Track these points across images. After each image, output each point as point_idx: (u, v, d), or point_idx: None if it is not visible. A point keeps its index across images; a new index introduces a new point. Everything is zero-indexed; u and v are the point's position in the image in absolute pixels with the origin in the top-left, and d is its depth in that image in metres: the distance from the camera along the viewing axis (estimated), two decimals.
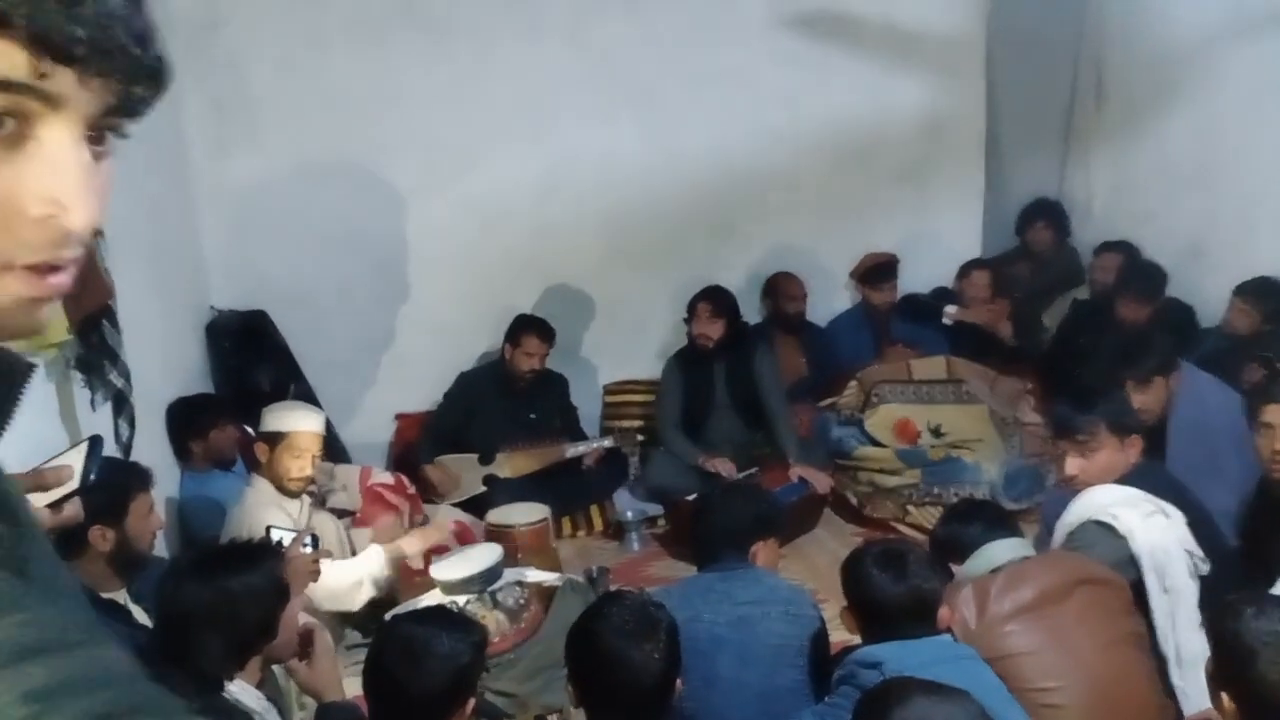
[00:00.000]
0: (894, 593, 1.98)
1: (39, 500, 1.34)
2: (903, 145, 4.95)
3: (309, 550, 2.66)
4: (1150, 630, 2.31)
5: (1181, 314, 4.29)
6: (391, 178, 4.45)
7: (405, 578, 3.06)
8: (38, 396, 2.39)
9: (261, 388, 3.95)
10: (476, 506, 3.88)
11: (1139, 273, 4.41)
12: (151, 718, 0.49)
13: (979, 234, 5.21)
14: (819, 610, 2.41)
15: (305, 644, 2.04)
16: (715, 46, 4.60)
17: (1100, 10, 5.01)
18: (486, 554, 2.99)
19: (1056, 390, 3.82)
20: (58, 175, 0.56)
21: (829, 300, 5.03)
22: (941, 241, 5.09)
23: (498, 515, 3.58)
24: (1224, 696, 1.68)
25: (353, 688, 2.07)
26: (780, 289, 4.80)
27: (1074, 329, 4.63)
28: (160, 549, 2.84)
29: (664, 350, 4.60)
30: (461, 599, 2.80)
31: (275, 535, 2.61)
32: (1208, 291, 4.20)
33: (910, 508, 4.03)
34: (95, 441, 1.48)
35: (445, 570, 2.87)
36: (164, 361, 3.48)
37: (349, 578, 2.87)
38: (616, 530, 4.14)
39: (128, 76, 0.57)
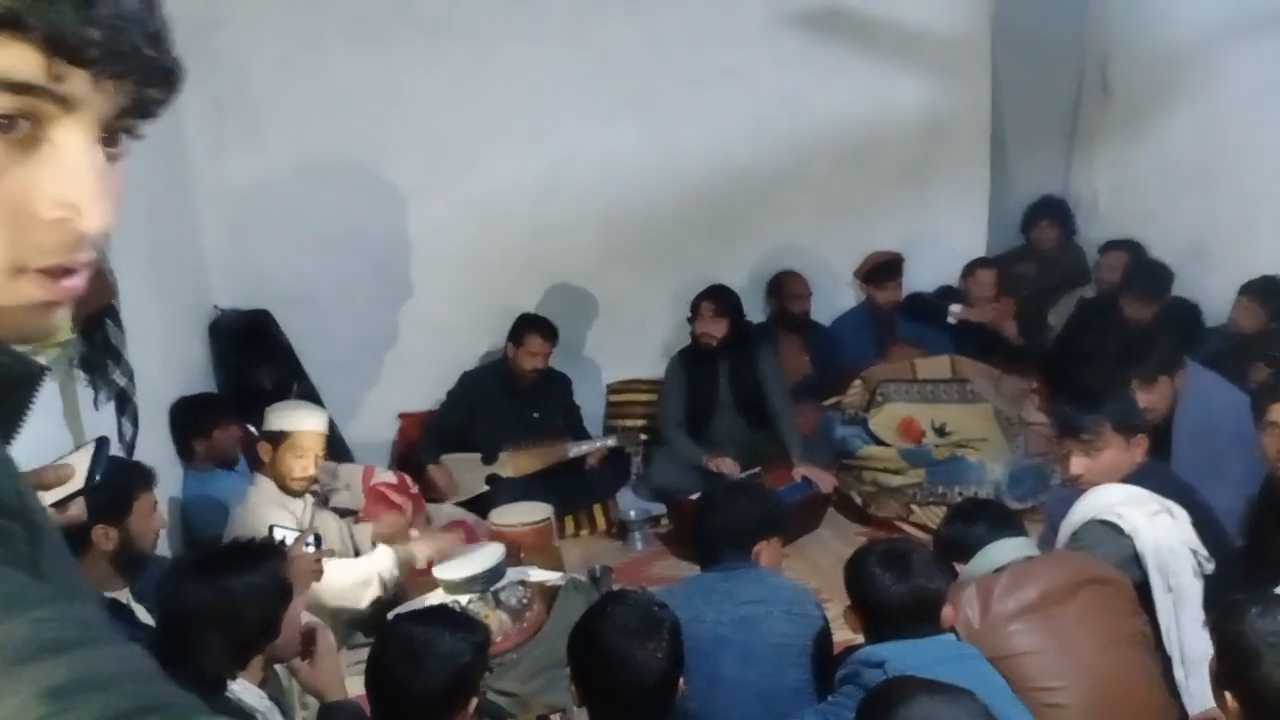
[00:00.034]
0: (897, 592, 1.98)
1: (43, 500, 1.34)
2: (907, 144, 4.94)
3: (311, 549, 2.66)
4: (1154, 630, 2.30)
5: (1187, 313, 4.28)
6: (392, 177, 4.45)
7: (408, 576, 3.06)
8: (41, 395, 2.37)
9: (264, 387, 3.95)
10: (479, 506, 3.88)
11: (1144, 271, 4.40)
12: (167, 715, 0.48)
13: (984, 233, 5.20)
14: (822, 610, 2.41)
15: (308, 643, 2.04)
16: (717, 46, 4.60)
17: (1103, 9, 5.01)
18: (489, 553, 2.99)
19: (1061, 389, 3.81)
20: (71, 178, 0.56)
21: (833, 299, 5.02)
22: (946, 240, 5.09)
23: (500, 515, 3.58)
24: (1228, 696, 1.68)
25: (355, 687, 2.07)
26: (785, 288, 4.80)
27: (1079, 328, 4.63)
28: (163, 548, 2.84)
29: (667, 349, 4.60)
30: (464, 598, 2.79)
31: (278, 534, 2.61)
32: (1209, 290, 4.20)
33: (914, 507, 4.02)
34: (102, 443, 1.49)
35: (448, 569, 2.87)
36: (167, 361, 3.49)
37: (358, 576, 2.87)
38: (619, 530, 4.14)
39: (142, 78, 0.57)
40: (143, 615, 2.24)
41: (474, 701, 1.88)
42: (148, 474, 2.38)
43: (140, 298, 3.08)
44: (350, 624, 2.92)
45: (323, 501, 3.33)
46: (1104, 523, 2.42)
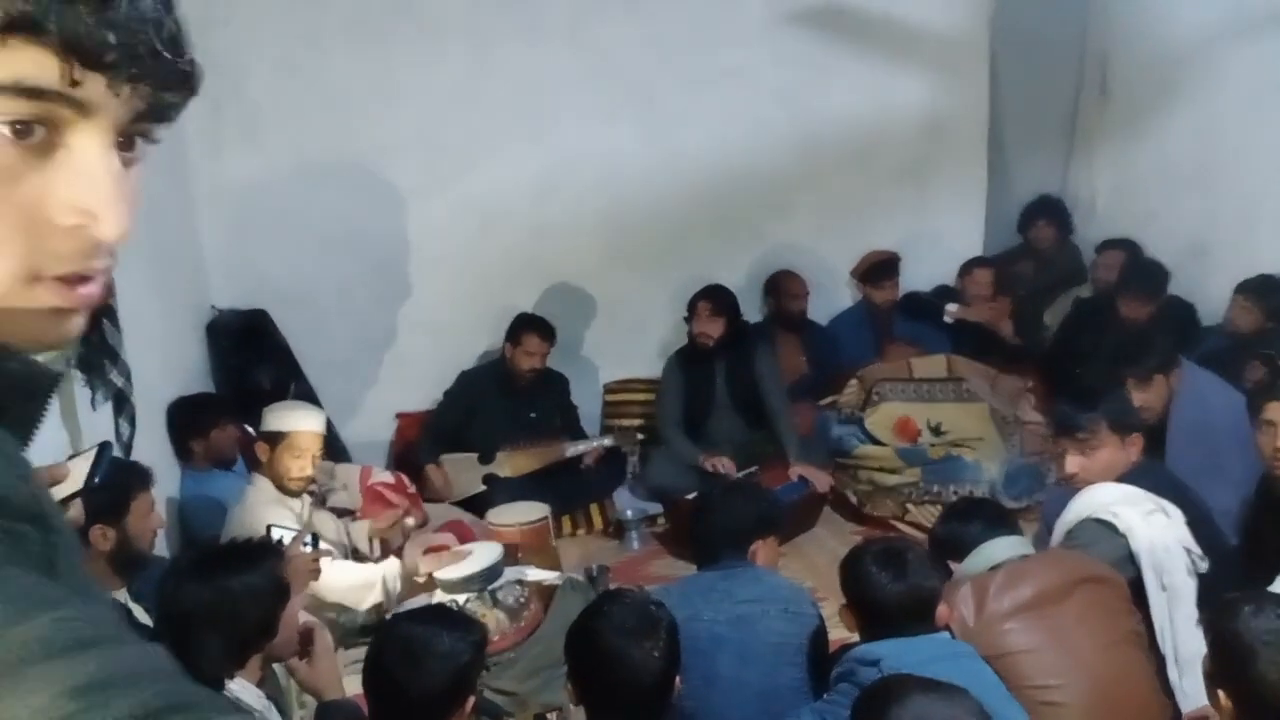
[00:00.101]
0: (893, 591, 1.99)
1: None
2: (905, 144, 4.95)
3: (309, 549, 2.67)
4: (1149, 628, 2.31)
5: (1183, 312, 4.29)
6: (391, 177, 4.45)
7: (410, 589, 3.05)
8: None
9: (262, 387, 3.95)
10: (477, 505, 3.88)
11: (1141, 271, 4.41)
12: (193, 714, 0.48)
13: (981, 232, 5.20)
14: (818, 608, 2.41)
15: (305, 642, 2.05)
16: (716, 46, 4.60)
17: (1103, 9, 5.01)
18: (487, 553, 3.00)
19: (1057, 388, 3.82)
20: (88, 184, 0.55)
21: (830, 299, 5.03)
22: (943, 240, 5.09)
23: (498, 514, 3.59)
24: (1221, 694, 1.68)
25: (353, 686, 2.08)
26: (782, 287, 4.80)
27: (1076, 327, 4.63)
28: (161, 548, 2.84)
29: (664, 349, 4.60)
30: (462, 597, 2.80)
31: (275, 534, 2.61)
32: (1209, 290, 4.20)
33: (910, 506, 4.03)
34: (104, 447, 1.50)
35: (446, 569, 2.88)
36: (164, 361, 3.49)
37: (361, 578, 2.86)
38: (616, 529, 4.14)
39: (159, 82, 0.56)
40: (140, 615, 2.25)
41: (472, 700, 1.89)
42: (145, 474, 2.39)
43: (138, 298, 3.09)
44: (345, 633, 2.91)
45: (320, 501, 3.34)
46: (1099, 521, 2.43)
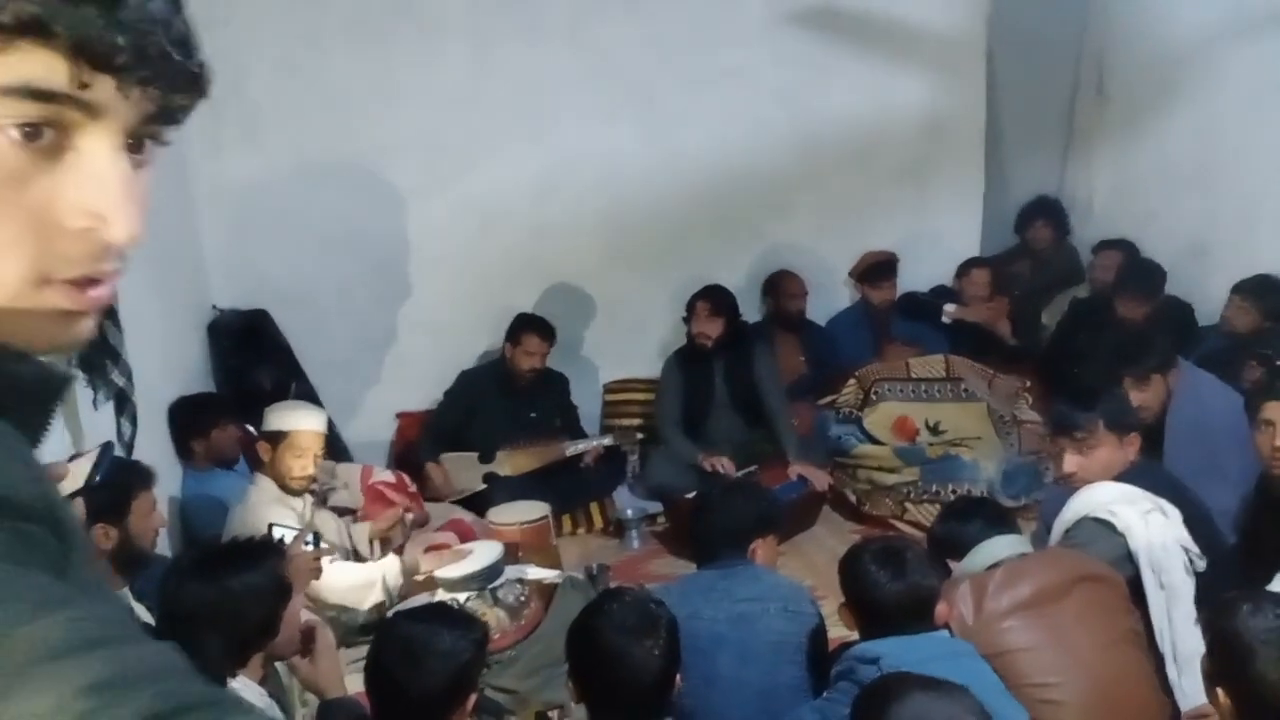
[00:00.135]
0: (892, 590, 1.99)
1: None
2: (903, 144, 4.96)
3: (310, 548, 2.67)
4: (1147, 627, 2.32)
5: (1180, 312, 4.30)
6: (391, 178, 4.45)
7: (410, 588, 3.05)
8: None
9: (263, 387, 3.95)
10: (477, 504, 3.89)
11: (1138, 271, 4.41)
12: (207, 713, 0.47)
13: (978, 232, 5.21)
14: (817, 607, 2.42)
15: (307, 641, 2.05)
16: (715, 46, 4.60)
17: (1102, 9, 5.02)
18: (487, 552, 3.01)
19: (1055, 388, 3.83)
20: (97, 187, 0.55)
21: (829, 299, 5.04)
22: (941, 240, 5.10)
23: (498, 513, 3.60)
24: (1220, 693, 1.69)
25: (355, 684, 2.08)
26: (781, 287, 4.81)
27: (1073, 327, 4.64)
28: (162, 547, 2.85)
29: (664, 349, 4.61)
30: (462, 596, 2.81)
31: (277, 533, 2.62)
32: (1209, 291, 4.20)
33: (909, 505, 4.04)
34: (106, 447, 1.51)
35: (447, 567, 2.89)
36: (165, 361, 3.49)
37: (362, 577, 2.87)
38: (616, 528, 4.15)
39: (169, 84, 0.56)
40: (142, 614, 2.25)
41: (473, 698, 1.89)
42: (146, 473, 2.39)
43: (139, 298, 3.09)
44: (346, 631, 2.91)
45: (322, 500, 3.34)
46: (1097, 520, 2.44)
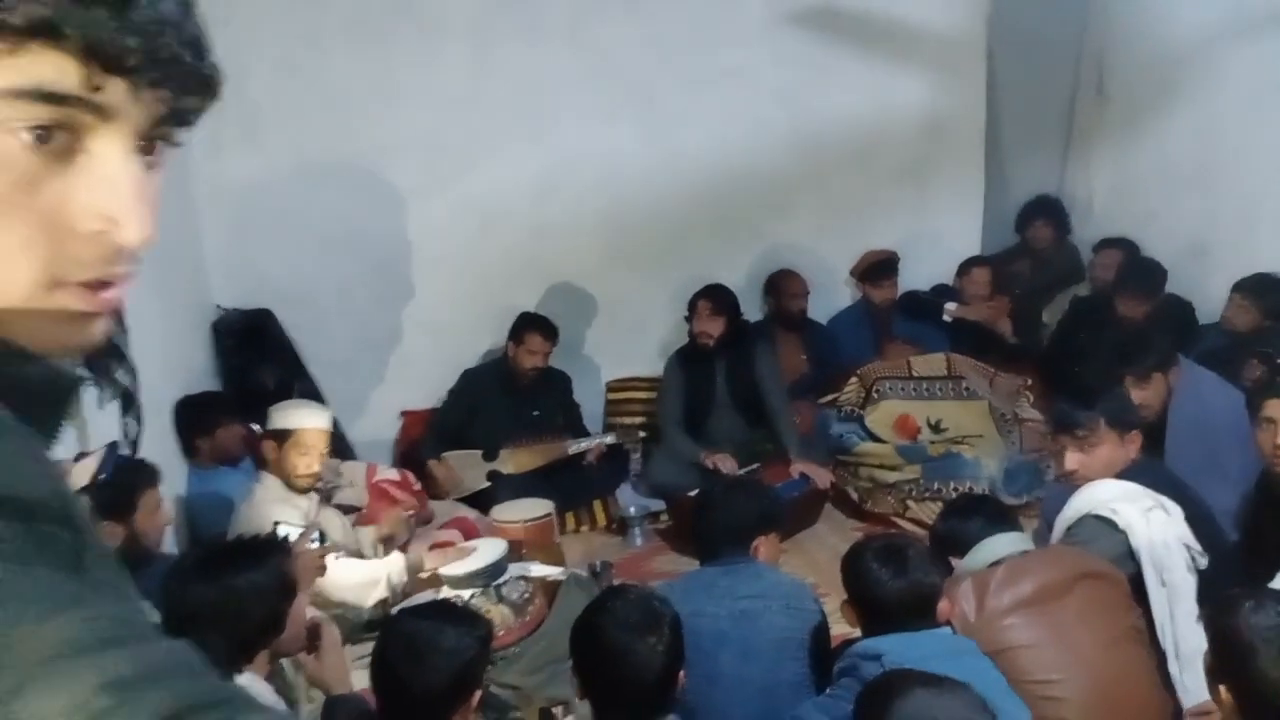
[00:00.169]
0: (894, 587, 2.00)
1: None
2: (904, 143, 4.96)
3: (315, 546, 2.68)
4: (1149, 625, 2.32)
5: (1180, 310, 4.31)
6: (392, 177, 4.46)
7: (414, 585, 3.06)
8: None
9: (267, 386, 3.96)
10: (481, 502, 3.90)
11: (1138, 269, 4.42)
12: (223, 711, 0.48)
13: (979, 231, 5.22)
14: (820, 605, 2.42)
15: (313, 638, 2.06)
16: (716, 46, 4.61)
17: (1101, 9, 5.02)
18: (491, 549, 3.02)
19: (1056, 386, 3.84)
20: (109, 190, 0.55)
21: (830, 298, 5.04)
22: (942, 239, 5.11)
23: (502, 511, 3.61)
24: (1222, 690, 1.70)
25: (360, 681, 2.09)
26: (782, 286, 4.82)
27: (1073, 326, 4.65)
28: (168, 545, 2.86)
29: (665, 348, 4.62)
30: (467, 593, 2.82)
31: (282, 531, 2.62)
32: (1209, 290, 4.21)
33: (910, 503, 4.04)
34: (112, 447, 1.52)
35: (451, 565, 2.90)
36: (169, 360, 3.50)
37: (366, 574, 2.88)
38: (619, 525, 4.16)
39: (180, 86, 0.56)
40: (148, 612, 2.26)
41: (477, 695, 1.90)
42: (152, 472, 2.40)
43: (142, 297, 3.07)
44: (351, 628, 2.92)
45: (327, 498, 3.35)
46: (1099, 518, 2.45)
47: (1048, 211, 5.15)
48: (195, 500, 3.35)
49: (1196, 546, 2.39)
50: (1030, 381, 4.45)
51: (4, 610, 0.46)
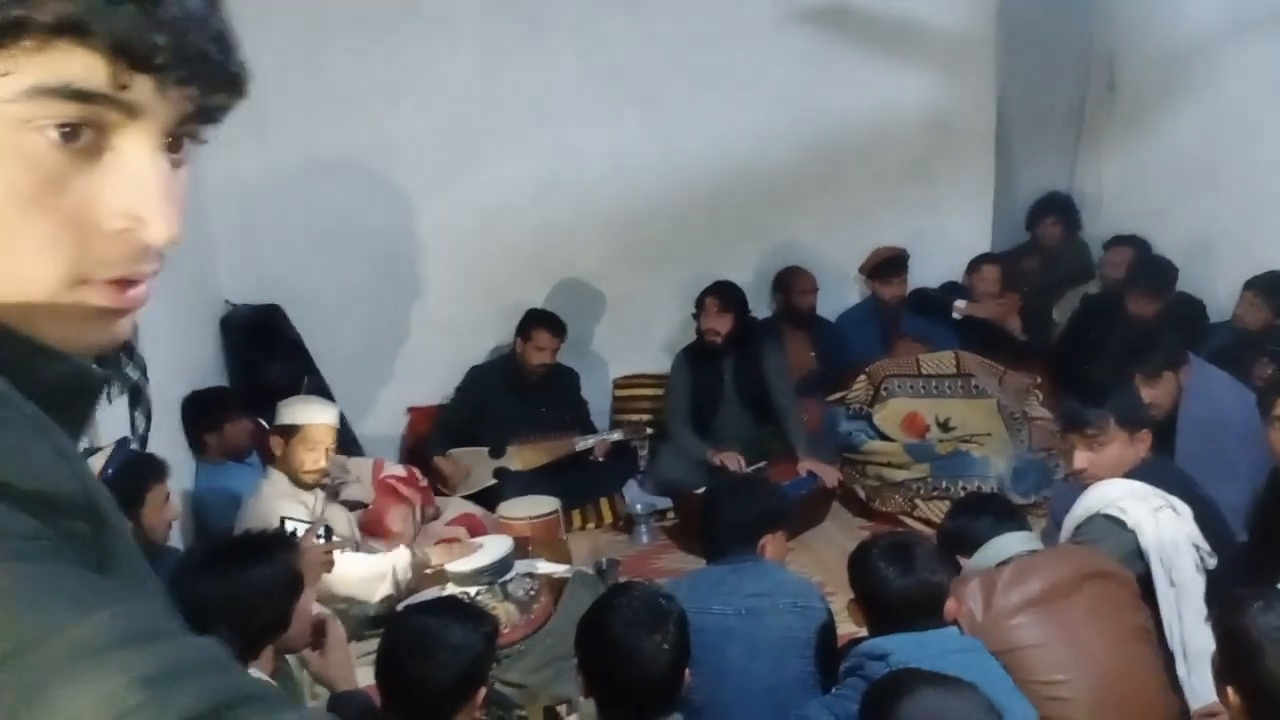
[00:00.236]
0: (901, 586, 2.00)
1: None
2: (912, 141, 4.95)
3: (322, 541, 2.69)
4: (1157, 624, 2.31)
5: (1191, 308, 4.29)
6: (398, 175, 4.46)
7: (420, 581, 3.07)
8: None
9: (275, 381, 3.96)
10: (487, 499, 3.90)
11: (1149, 267, 4.40)
12: (254, 706, 0.48)
13: (988, 229, 5.20)
14: (826, 603, 2.42)
15: (318, 634, 2.06)
16: (722, 43, 4.60)
17: (1110, 6, 5.00)
18: (497, 546, 3.02)
19: (1066, 384, 3.82)
20: (135, 188, 0.54)
21: (838, 295, 5.03)
22: (951, 236, 5.09)
23: (508, 508, 3.61)
24: (1230, 691, 1.69)
25: (365, 678, 2.09)
26: (791, 283, 4.81)
27: (1084, 323, 4.63)
28: (175, 540, 2.87)
29: (672, 345, 4.62)
30: (473, 590, 2.82)
31: (289, 526, 2.63)
32: (1218, 287, 4.20)
33: (918, 501, 4.04)
34: (122, 443, 1.53)
35: (457, 561, 2.90)
36: (178, 355, 3.51)
37: (372, 569, 2.88)
38: (626, 523, 4.16)
39: (207, 84, 0.56)
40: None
41: (483, 692, 1.90)
42: (160, 466, 2.41)
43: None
44: (356, 624, 2.93)
45: (333, 494, 3.36)
46: (1107, 517, 2.44)
47: (1058, 209, 5.12)
48: (203, 495, 3.36)
49: (1205, 546, 2.38)
50: (1040, 379, 4.44)
51: (33, 607, 0.46)
